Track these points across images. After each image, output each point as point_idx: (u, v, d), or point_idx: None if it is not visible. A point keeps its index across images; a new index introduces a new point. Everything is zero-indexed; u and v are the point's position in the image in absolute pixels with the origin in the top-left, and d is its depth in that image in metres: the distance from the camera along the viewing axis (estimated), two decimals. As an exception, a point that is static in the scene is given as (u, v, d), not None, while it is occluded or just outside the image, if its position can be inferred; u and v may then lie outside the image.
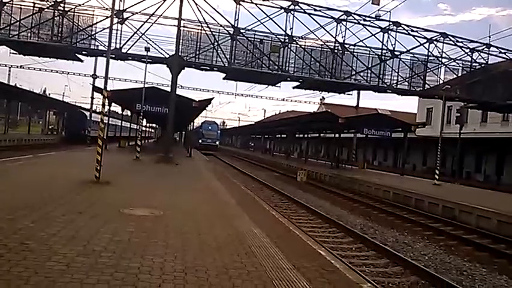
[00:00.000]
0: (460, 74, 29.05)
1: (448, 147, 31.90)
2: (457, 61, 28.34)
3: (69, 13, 24.44)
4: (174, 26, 24.03)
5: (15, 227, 5.96)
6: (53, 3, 24.04)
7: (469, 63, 28.55)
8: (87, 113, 44.14)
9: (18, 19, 23.86)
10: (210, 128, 58.03)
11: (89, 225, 6.54)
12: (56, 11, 24.20)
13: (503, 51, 28.18)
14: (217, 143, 58.51)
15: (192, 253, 5.55)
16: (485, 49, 28.02)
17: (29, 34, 24.25)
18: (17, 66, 43.18)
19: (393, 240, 11.24)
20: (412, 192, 17.84)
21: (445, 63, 28.25)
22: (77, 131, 43.44)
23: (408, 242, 11.15)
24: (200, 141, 54.38)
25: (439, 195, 16.63)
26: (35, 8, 24.11)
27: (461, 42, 27.78)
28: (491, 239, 11.83)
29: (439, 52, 27.82)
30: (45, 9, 24.21)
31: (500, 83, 29.05)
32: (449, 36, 27.48)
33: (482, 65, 28.64)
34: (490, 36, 28.64)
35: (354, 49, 27.19)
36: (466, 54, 28.06)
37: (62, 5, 24.23)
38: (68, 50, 24.97)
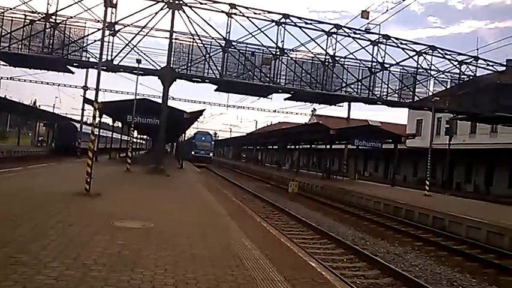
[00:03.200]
0: (448, 86, 29.45)
1: (438, 158, 32.20)
2: (445, 73, 28.77)
3: (60, 25, 24.42)
4: (166, 38, 24.21)
5: (4, 240, 5.90)
6: (44, 15, 24.03)
7: (458, 76, 28.96)
8: (78, 125, 43.92)
9: (9, 31, 23.80)
10: (203, 138, 54.71)
11: (79, 238, 6.51)
12: (47, 23, 24.17)
13: (490, 63, 28.68)
14: (211, 155, 55.28)
15: (183, 266, 5.54)
16: (473, 62, 28.47)
17: (20, 46, 24.18)
18: (7, 78, 42.87)
19: (384, 251, 11.27)
20: (403, 203, 17.94)
21: (434, 76, 28.64)
22: (67, 143, 43.08)
23: (399, 253, 11.19)
24: (193, 152, 51.67)
25: (429, 206, 16.74)
26: (26, 20, 24.07)
27: (450, 54, 28.23)
28: (480, 249, 11.92)
29: (428, 64, 28.23)
30: (37, 21, 24.18)
31: (488, 95, 29.48)
32: (438, 49, 27.90)
33: (471, 77, 29.07)
34: (477, 49, 29.10)
35: (344, 61, 27.48)
36: (454, 67, 28.48)
37: (54, 17, 24.21)
38: (59, 61, 24.90)
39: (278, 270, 5.76)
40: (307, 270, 6.12)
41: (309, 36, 26.07)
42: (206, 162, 49.72)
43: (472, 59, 28.40)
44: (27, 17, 24.13)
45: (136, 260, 5.57)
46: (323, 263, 8.31)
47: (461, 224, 14.04)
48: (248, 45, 25.98)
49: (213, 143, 58.14)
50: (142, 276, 4.93)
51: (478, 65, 28.57)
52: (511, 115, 28.44)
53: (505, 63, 29.68)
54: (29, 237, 6.24)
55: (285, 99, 30.02)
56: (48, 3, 23.80)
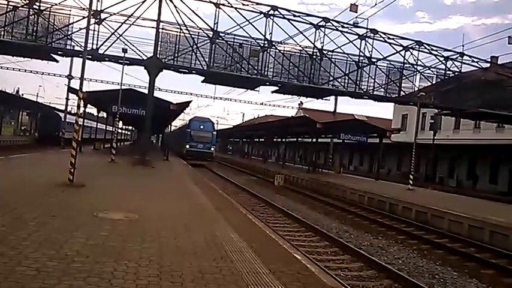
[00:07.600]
0: (434, 82, 29.72)
1: (422, 153, 32.58)
2: (431, 69, 28.99)
3: (44, 12, 23.90)
4: (153, 27, 23.85)
5: (-15, 231, 5.79)
6: (28, 1, 23.47)
7: (443, 71, 29.23)
8: (62, 114, 43.26)
9: (-9, 17, 23.22)
10: (201, 127, 38.31)
11: (62, 229, 6.42)
12: (31, 10, 23.64)
13: (475, 60, 28.99)
14: (212, 149, 38.64)
15: (168, 258, 5.51)
16: (459, 58, 28.73)
17: (2, 32, 23.61)
18: (-11, 66, 41.86)
19: (368, 244, 11.39)
20: (387, 197, 18.13)
21: (420, 71, 28.84)
22: (51, 133, 42.47)
23: (382, 246, 11.32)
24: (187, 146, 37.03)
25: (413, 200, 16.95)
26: (9, 6, 23.49)
27: (436, 50, 28.45)
28: (462, 243, 12.13)
29: (414, 60, 28.40)
30: (20, 8, 23.62)
31: (472, 91, 29.85)
32: (425, 45, 28.11)
33: (456, 73, 29.37)
34: (463, 45, 29.48)
35: (331, 55, 27.50)
36: (440, 63, 28.71)
37: (38, 3, 23.68)
38: (43, 49, 24.41)
39: (263, 262, 5.77)
40: (292, 262, 6.14)
41: (297, 29, 26.04)
42: (206, 159, 37.21)
43: (458, 55, 28.66)
44: (10, 3, 23.55)
45: (121, 252, 5.52)
46: (308, 255, 8.35)
47: (443, 218, 14.26)
48: (236, 37, 25.82)
49: (214, 133, 40.80)
50: (126, 268, 4.89)
51: (464, 61, 28.85)
52: (494, 111, 28.86)
53: (489, 60, 30.05)
54: (10, 228, 6.12)
55: (272, 92, 30.00)
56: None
